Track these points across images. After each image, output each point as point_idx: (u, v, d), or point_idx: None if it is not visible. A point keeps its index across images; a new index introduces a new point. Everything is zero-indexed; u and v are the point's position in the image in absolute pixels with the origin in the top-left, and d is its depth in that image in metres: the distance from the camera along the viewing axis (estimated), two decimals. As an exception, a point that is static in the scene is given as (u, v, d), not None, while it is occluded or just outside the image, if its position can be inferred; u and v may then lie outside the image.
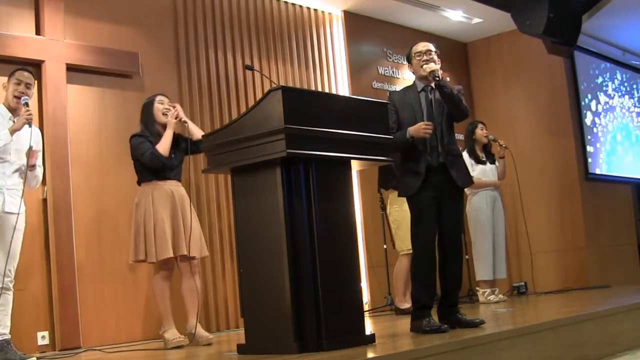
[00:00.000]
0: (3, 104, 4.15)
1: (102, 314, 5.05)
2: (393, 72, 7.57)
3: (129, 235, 4.59)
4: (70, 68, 5.10)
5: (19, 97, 4.08)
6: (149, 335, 5.15)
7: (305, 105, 3.43)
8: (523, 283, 7.40)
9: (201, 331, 4.51)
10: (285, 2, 6.66)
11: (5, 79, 4.21)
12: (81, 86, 5.23)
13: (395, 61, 7.59)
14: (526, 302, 6.42)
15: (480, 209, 6.60)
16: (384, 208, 6.28)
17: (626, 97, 9.10)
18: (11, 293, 3.97)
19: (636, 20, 7.69)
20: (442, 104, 4.14)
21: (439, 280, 4.16)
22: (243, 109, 5.95)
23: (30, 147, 4.02)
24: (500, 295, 6.55)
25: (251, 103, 5.96)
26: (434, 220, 4.05)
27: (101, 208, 5.19)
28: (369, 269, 6.67)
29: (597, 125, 8.29)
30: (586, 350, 4.17)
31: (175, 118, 4.60)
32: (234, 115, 5.91)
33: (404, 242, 5.91)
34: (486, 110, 8.19)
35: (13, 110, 4.12)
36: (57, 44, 5.04)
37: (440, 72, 4.14)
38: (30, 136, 3.99)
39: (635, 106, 9.25)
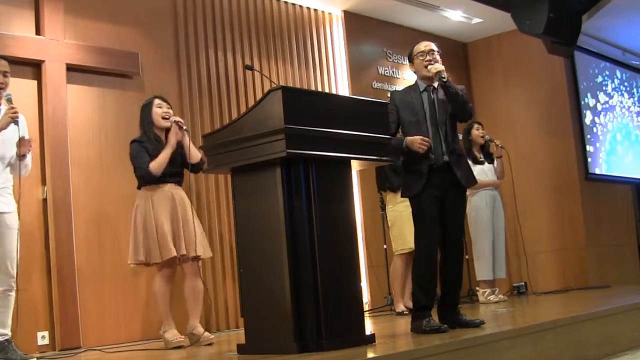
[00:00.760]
0: None
1: (102, 314, 5.05)
2: (393, 72, 7.57)
3: (128, 236, 4.58)
4: (70, 68, 5.10)
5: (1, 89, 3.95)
6: (149, 335, 5.15)
7: (305, 105, 3.43)
8: (523, 283, 7.40)
9: (202, 331, 4.50)
10: (285, 2, 6.66)
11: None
12: (81, 86, 5.23)
13: (395, 61, 7.60)
14: (526, 302, 6.42)
15: (480, 209, 6.60)
16: (384, 208, 6.28)
17: (626, 96, 9.10)
18: (14, 293, 3.93)
19: (636, 20, 7.69)
20: (445, 104, 4.13)
21: (440, 280, 4.16)
22: (243, 109, 5.95)
23: (22, 137, 3.91)
24: (500, 295, 6.55)
25: (251, 103, 5.96)
26: (437, 220, 4.04)
27: (101, 208, 5.19)
28: (369, 269, 6.67)
29: (596, 124, 8.29)
30: (586, 350, 4.17)
31: (180, 128, 4.59)
32: (234, 115, 5.91)
33: (397, 242, 5.92)
34: (486, 110, 8.19)
35: None
36: (57, 44, 5.04)
37: (445, 73, 4.13)
38: (19, 129, 3.87)
39: (634, 105, 9.25)
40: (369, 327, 4.26)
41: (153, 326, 5.06)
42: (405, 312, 5.93)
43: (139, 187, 4.56)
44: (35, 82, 4.99)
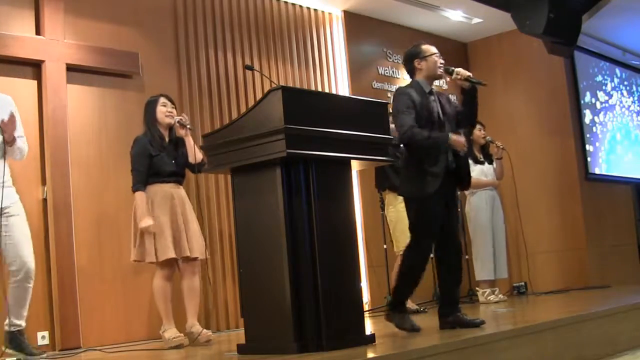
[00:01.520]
0: None
1: (102, 314, 5.05)
2: (393, 72, 7.57)
3: (129, 235, 4.59)
4: (70, 68, 5.10)
5: None
6: (149, 335, 5.15)
7: (305, 105, 3.43)
8: (523, 283, 7.40)
9: (200, 329, 4.50)
10: (285, 2, 6.66)
11: (5, 79, 4.19)
12: (81, 86, 5.23)
13: (395, 61, 7.59)
14: (526, 302, 6.42)
15: (480, 209, 6.60)
16: (384, 208, 6.28)
17: (626, 95, 9.10)
18: (31, 284, 3.93)
19: (636, 20, 7.69)
20: (450, 107, 4.15)
21: (439, 280, 4.18)
22: (243, 109, 5.95)
23: (2, 121, 3.83)
24: (500, 295, 6.55)
25: (251, 103, 5.96)
26: (441, 223, 4.06)
27: (101, 208, 5.19)
28: (369, 269, 6.66)
29: (596, 124, 8.29)
30: (586, 350, 4.17)
31: (182, 127, 4.61)
32: (234, 115, 5.91)
33: (400, 242, 5.90)
34: (486, 110, 8.10)
35: None
36: (57, 44, 5.04)
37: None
38: None
39: (634, 103, 9.25)
40: (369, 327, 4.26)
41: (153, 326, 5.06)
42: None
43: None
44: (35, 82, 4.99)
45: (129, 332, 5.14)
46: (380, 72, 7.44)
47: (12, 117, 3.89)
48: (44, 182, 4.92)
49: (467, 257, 7.11)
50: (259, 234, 3.48)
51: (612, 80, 8.83)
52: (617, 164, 8.55)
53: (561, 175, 7.79)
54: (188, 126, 4.64)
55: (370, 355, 3.21)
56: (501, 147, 6.70)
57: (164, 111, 4.62)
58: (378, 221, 6.53)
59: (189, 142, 4.64)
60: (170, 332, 4.45)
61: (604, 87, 8.62)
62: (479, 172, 6.58)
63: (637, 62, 9.29)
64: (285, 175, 3.40)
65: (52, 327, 4.80)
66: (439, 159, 4.01)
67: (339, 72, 7.05)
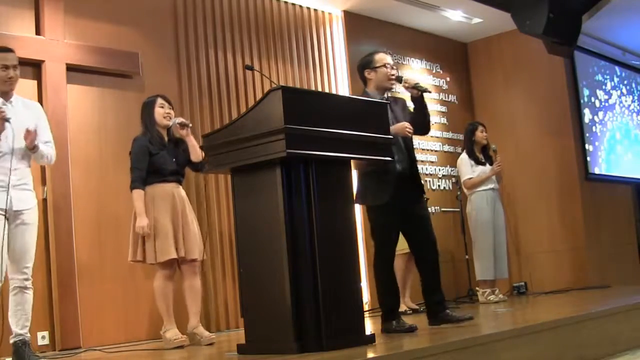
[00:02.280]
0: None
1: (102, 314, 5.05)
2: (393, 72, 7.56)
3: (128, 235, 4.58)
4: (70, 68, 5.10)
5: (8, 82, 3.89)
6: (149, 335, 5.16)
7: (305, 105, 3.43)
8: (523, 283, 7.40)
9: (203, 331, 4.51)
10: (285, 2, 6.66)
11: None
12: (81, 86, 5.23)
13: (395, 61, 7.55)
14: (526, 302, 6.42)
15: (480, 209, 6.60)
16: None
17: (625, 94, 9.10)
18: (30, 292, 3.89)
19: (636, 20, 7.69)
20: (405, 115, 4.21)
21: (421, 281, 4.25)
22: (243, 109, 5.95)
23: (27, 130, 3.84)
24: (500, 295, 6.55)
25: (251, 103, 5.96)
26: (398, 230, 4.20)
27: (101, 208, 5.19)
28: (369, 269, 6.65)
29: (596, 123, 8.29)
30: (586, 350, 4.17)
31: (182, 127, 4.62)
32: (234, 115, 5.91)
33: (399, 243, 5.89)
34: (486, 110, 8.19)
35: (4, 94, 3.93)
36: (57, 44, 5.04)
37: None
38: (10, 124, 3.79)
39: (634, 102, 9.25)
40: (369, 327, 4.26)
41: (153, 326, 5.07)
42: (408, 312, 5.94)
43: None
44: (35, 82, 4.99)
45: (129, 332, 5.14)
46: (380, 72, 7.42)
47: (34, 130, 3.91)
48: (44, 182, 4.93)
49: (467, 257, 7.13)
50: (259, 234, 3.48)
51: (611, 80, 8.83)
52: (616, 163, 8.55)
53: (561, 175, 7.79)
54: (189, 125, 4.64)
55: (370, 355, 3.21)
56: (498, 163, 6.63)
57: (162, 113, 4.62)
58: (378, 221, 6.52)
59: (191, 141, 4.64)
60: (172, 333, 4.45)
61: (603, 87, 8.62)
62: (481, 172, 6.58)
63: (637, 62, 9.28)
64: (285, 175, 3.39)
65: (52, 327, 4.80)
66: (389, 169, 4.03)
67: (339, 72, 7.04)
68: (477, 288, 6.76)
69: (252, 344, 3.51)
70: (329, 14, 7.08)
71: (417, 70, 7.76)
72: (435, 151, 7.80)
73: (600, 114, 8.42)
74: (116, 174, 5.18)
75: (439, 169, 7.80)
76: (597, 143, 8.22)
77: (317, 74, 6.79)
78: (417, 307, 6.14)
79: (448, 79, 8.13)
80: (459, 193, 7.28)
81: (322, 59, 6.88)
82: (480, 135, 6.68)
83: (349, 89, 7.00)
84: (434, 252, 4.23)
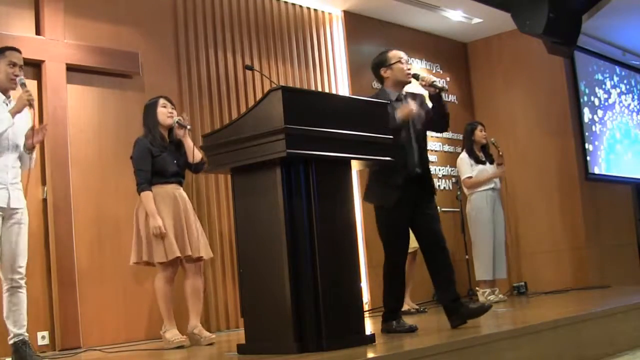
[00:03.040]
0: None
1: (102, 314, 5.05)
2: (393, 72, 7.56)
3: (129, 235, 4.58)
4: (70, 68, 5.10)
5: (14, 79, 3.91)
6: (150, 335, 5.15)
7: (305, 105, 3.43)
8: (523, 283, 7.40)
9: (203, 331, 4.51)
10: (285, 2, 6.66)
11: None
12: (81, 86, 5.23)
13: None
14: (526, 302, 6.42)
15: (480, 209, 6.60)
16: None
17: (625, 93, 9.10)
18: (24, 291, 3.89)
19: (636, 20, 7.69)
20: (425, 108, 4.18)
21: (434, 281, 4.21)
22: (243, 109, 5.95)
23: (34, 126, 3.86)
24: (500, 295, 6.55)
25: (251, 103, 5.96)
26: (408, 232, 4.15)
27: (101, 208, 5.19)
28: (369, 269, 6.66)
29: (595, 122, 8.29)
30: (586, 350, 4.17)
31: (180, 127, 4.61)
32: (234, 115, 5.91)
33: None
34: (486, 110, 8.19)
35: (5, 92, 3.94)
36: (57, 44, 5.04)
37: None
38: (34, 114, 3.84)
39: (633, 100, 9.25)
40: (369, 327, 4.26)
41: (153, 326, 5.06)
42: (412, 311, 5.94)
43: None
44: (35, 82, 4.98)
45: (129, 332, 5.14)
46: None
47: (44, 127, 3.95)
48: (44, 182, 4.93)
49: (467, 257, 7.13)
50: (259, 234, 3.48)
51: (611, 79, 8.84)
52: (616, 163, 8.56)
53: (561, 175, 7.79)
54: (188, 127, 4.64)
55: (370, 355, 3.21)
56: (500, 153, 6.70)
57: (165, 112, 4.62)
58: (378, 221, 6.52)
59: (187, 142, 4.64)
60: (172, 333, 4.45)
61: (603, 86, 8.63)
62: (481, 171, 6.59)
63: (637, 62, 9.29)
64: (285, 175, 3.39)
65: (52, 327, 4.80)
66: (398, 170, 4.02)
67: (339, 72, 7.04)
68: (477, 288, 6.76)
69: (252, 344, 3.51)
70: (329, 14, 7.08)
71: (417, 70, 7.75)
72: (435, 151, 7.80)
73: (600, 112, 8.43)
74: (116, 174, 5.18)
75: (439, 169, 7.80)
76: (596, 142, 8.23)
77: (317, 74, 6.79)
78: (417, 307, 6.14)
79: (448, 79, 8.12)
80: (459, 193, 7.28)
81: (322, 59, 6.88)
82: (479, 134, 6.69)
83: (349, 89, 7.00)
84: (442, 251, 4.16)
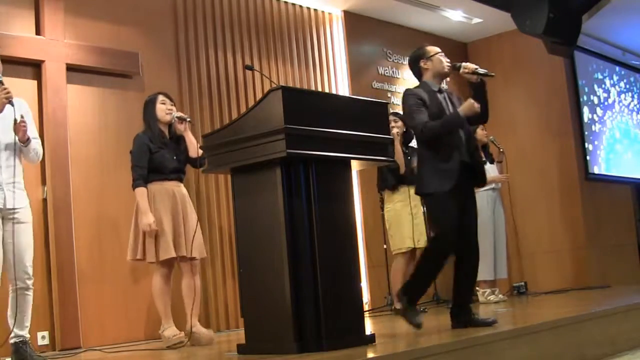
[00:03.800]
0: None
1: (102, 314, 5.05)
2: (393, 72, 7.57)
3: (129, 235, 4.58)
4: (70, 68, 5.10)
5: None
6: (149, 335, 5.15)
7: (305, 105, 3.43)
8: (523, 283, 7.40)
9: (201, 329, 4.51)
10: (285, 2, 6.66)
11: (6, 79, 4.15)
12: (81, 86, 5.23)
13: (395, 61, 7.59)
14: (526, 302, 6.42)
15: (480, 209, 6.50)
16: (383, 208, 6.27)
17: (625, 93, 9.10)
18: (31, 293, 3.87)
19: (636, 20, 7.70)
20: (460, 105, 4.10)
21: (455, 280, 4.09)
22: (243, 109, 5.96)
23: (15, 121, 3.78)
24: (500, 295, 6.55)
25: (251, 103, 5.96)
26: (458, 223, 3.96)
27: (101, 208, 5.19)
28: (369, 269, 6.67)
29: (595, 122, 8.29)
30: (586, 350, 4.17)
31: (180, 122, 4.62)
32: (234, 115, 5.91)
33: (395, 241, 5.90)
34: (486, 110, 8.17)
35: None
36: (57, 44, 5.04)
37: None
38: (14, 110, 3.75)
39: (633, 99, 9.24)
40: (369, 327, 4.26)
41: (153, 326, 5.06)
42: (425, 310, 5.93)
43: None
44: (35, 82, 4.99)
45: (129, 332, 5.14)
46: (380, 72, 7.44)
47: (23, 122, 3.85)
48: (44, 182, 4.93)
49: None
50: (259, 234, 3.48)
51: (610, 78, 8.84)
52: (616, 162, 8.56)
53: (561, 175, 7.79)
54: (188, 119, 4.64)
55: (370, 355, 3.21)
56: (501, 150, 6.71)
57: (164, 109, 4.63)
58: (378, 221, 6.53)
59: (188, 136, 4.64)
60: (170, 331, 4.45)
61: (603, 85, 8.63)
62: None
63: (637, 62, 9.29)
64: (285, 175, 3.39)
65: (52, 327, 4.80)
66: (453, 156, 3.95)
67: (339, 72, 7.05)
68: (477, 288, 6.76)
69: (252, 344, 3.51)
70: (329, 14, 7.08)
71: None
72: (435, 151, 7.79)
73: (600, 111, 8.43)
74: (116, 174, 5.18)
75: (439, 169, 7.79)
76: (596, 142, 8.23)
77: (317, 74, 6.79)
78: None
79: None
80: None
81: (322, 59, 6.88)
82: (480, 133, 6.67)
83: (349, 89, 7.01)
84: (473, 252, 4.07)
